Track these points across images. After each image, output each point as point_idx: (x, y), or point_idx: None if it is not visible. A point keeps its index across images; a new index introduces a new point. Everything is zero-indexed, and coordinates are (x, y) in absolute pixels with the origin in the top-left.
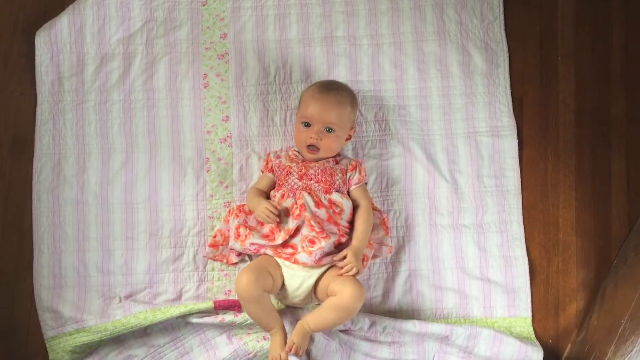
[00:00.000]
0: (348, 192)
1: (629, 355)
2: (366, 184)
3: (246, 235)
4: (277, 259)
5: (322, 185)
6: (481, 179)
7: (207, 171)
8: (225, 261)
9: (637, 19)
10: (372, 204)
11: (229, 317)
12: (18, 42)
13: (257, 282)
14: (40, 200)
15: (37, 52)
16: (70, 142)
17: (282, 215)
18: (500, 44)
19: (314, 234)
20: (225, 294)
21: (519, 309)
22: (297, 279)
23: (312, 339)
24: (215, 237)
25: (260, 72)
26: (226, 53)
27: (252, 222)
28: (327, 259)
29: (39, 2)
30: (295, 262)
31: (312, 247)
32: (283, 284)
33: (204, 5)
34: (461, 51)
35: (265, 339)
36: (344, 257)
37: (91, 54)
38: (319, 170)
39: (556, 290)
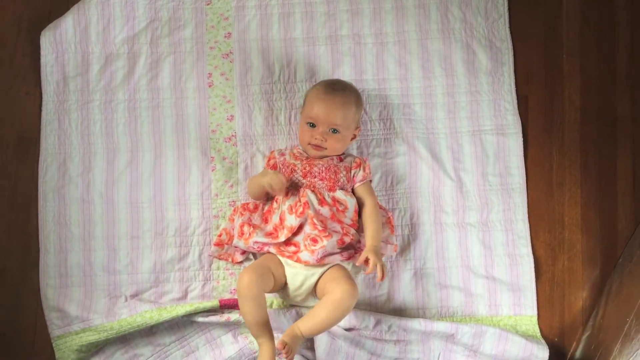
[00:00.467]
0: (352, 190)
1: (635, 353)
2: (370, 181)
3: (250, 234)
4: (280, 257)
5: (326, 182)
6: (486, 177)
7: (212, 170)
8: (230, 260)
9: None
10: (377, 202)
11: (234, 316)
12: (23, 42)
13: (258, 282)
14: (46, 200)
15: (42, 52)
16: (75, 142)
17: (286, 212)
18: (505, 42)
19: (316, 232)
20: (231, 292)
21: (524, 307)
22: (299, 277)
23: (316, 338)
24: (220, 236)
25: (264, 71)
26: (231, 52)
27: (256, 220)
28: (330, 258)
29: (44, 2)
30: (298, 260)
31: (314, 245)
32: (285, 283)
33: (208, 4)
34: (466, 49)
35: None
36: (366, 260)
37: (96, 54)
38: (323, 168)
39: (562, 289)
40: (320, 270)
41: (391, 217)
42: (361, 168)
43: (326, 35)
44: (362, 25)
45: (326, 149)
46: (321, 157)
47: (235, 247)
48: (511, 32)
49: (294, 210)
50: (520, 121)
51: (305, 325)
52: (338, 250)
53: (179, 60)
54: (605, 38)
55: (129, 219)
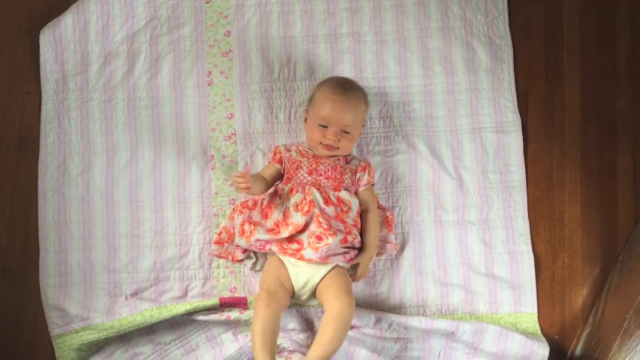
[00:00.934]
0: (355, 192)
1: (635, 350)
2: (373, 185)
3: (251, 232)
4: (282, 256)
5: (331, 182)
6: (486, 175)
7: (212, 169)
8: (230, 258)
9: None
10: (378, 202)
11: (234, 314)
12: (22, 41)
13: (276, 313)
14: (45, 199)
15: (42, 51)
16: (75, 141)
17: (291, 209)
18: (504, 39)
19: (321, 230)
20: (231, 291)
21: (524, 304)
22: (303, 277)
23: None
24: (220, 234)
25: (264, 70)
26: (230, 50)
27: (256, 216)
28: (333, 258)
29: (43, 1)
30: (301, 258)
31: (319, 243)
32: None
33: (207, 2)
34: (465, 47)
35: None
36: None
37: (95, 53)
38: (329, 167)
39: (562, 286)
40: (324, 269)
41: (390, 216)
42: (366, 172)
43: (326, 33)
44: (362, 23)
45: (338, 149)
46: (329, 157)
47: (237, 245)
48: (511, 30)
49: (299, 208)
50: (520, 119)
51: (315, 353)
52: (341, 251)
53: (178, 58)
54: (606, 35)
55: (129, 218)
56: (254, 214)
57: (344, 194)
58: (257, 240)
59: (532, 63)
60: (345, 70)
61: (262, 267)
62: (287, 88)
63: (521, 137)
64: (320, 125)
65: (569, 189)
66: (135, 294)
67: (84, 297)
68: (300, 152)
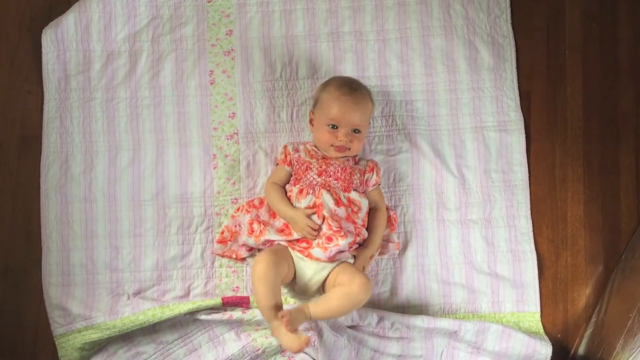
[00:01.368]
0: (364, 193)
1: (638, 349)
2: (380, 184)
3: (260, 231)
4: (291, 250)
5: (340, 183)
6: (489, 173)
7: (214, 168)
8: (234, 256)
9: None
10: None
11: (237, 313)
12: (24, 40)
13: (275, 265)
14: (48, 198)
15: (44, 51)
16: (77, 140)
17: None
18: (507, 38)
19: (331, 232)
20: (233, 290)
21: (527, 303)
22: (310, 271)
23: (320, 335)
24: (222, 233)
25: (266, 69)
26: (232, 50)
27: (263, 215)
28: (340, 255)
29: (45, 0)
30: (309, 256)
31: (328, 244)
32: (294, 276)
33: (209, 2)
34: (468, 46)
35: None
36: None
37: (97, 52)
38: (339, 168)
39: (565, 285)
40: (331, 266)
41: (393, 216)
42: (374, 172)
43: (328, 32)
44: (364, 22)
45: (350, 149)
46: (339, 158)
47: (243, 244)
48: (513, 28)
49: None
50: (522, 117)
51: (315, 307)
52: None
53: (180, 58)
54: (608, 33)
55: (131, 217)
56: (261, 212)
57: (354, 195)
58: (267, 240)
59: (534, 62)
60: (348, 69)
61: None
62: (289, 87)
63: (524, 135)
64: (329, 126)
65: (571, 188)
66: (137, 293)
67: (86, 296)
68: (309, 152)
